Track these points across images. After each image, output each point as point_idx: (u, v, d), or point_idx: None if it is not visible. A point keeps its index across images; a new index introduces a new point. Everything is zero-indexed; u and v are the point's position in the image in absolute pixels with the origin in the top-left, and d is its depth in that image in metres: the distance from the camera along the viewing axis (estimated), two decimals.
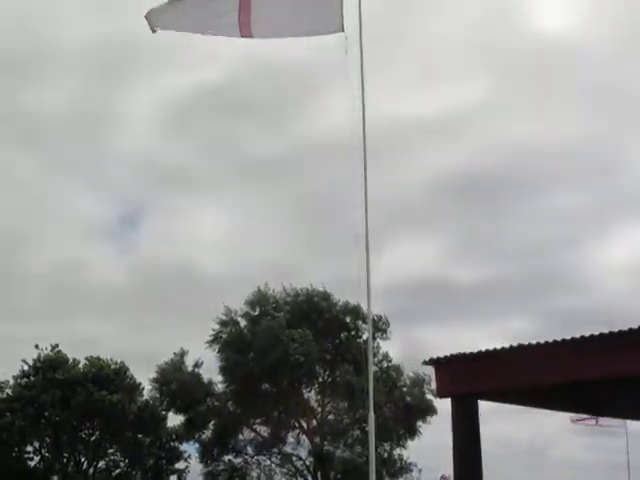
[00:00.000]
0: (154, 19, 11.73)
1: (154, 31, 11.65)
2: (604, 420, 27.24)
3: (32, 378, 34.25)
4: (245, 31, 11.83)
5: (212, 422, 34.88)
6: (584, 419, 27.48)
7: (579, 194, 47.94)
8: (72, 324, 42.69)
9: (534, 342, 13.45)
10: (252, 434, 35.44)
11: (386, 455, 34.62)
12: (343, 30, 11.43)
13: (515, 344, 13.89)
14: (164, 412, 35.37)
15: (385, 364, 35.39)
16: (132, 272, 49.73)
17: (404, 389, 35.23)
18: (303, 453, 35.15)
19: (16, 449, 33.93)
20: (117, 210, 56.74)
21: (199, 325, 39.02)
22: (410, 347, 38.02)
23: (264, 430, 35.32)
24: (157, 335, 42.97)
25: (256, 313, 34.46)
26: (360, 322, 34.33)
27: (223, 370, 34.01)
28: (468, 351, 14.43)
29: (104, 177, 51.00)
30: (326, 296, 34.85)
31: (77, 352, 35.20)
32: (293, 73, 37.19)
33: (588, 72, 48.14)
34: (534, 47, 48.25)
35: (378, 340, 34.45)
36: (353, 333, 34.97)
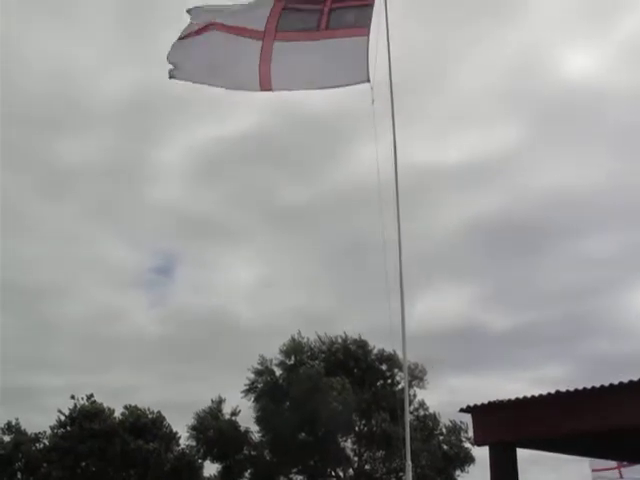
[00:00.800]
0: (174, 65, 11.75)
1: (170, 78, 11.68)
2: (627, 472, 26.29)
3: (69, 428, 34.35)
4: (265, 84, 11.69)
5: (249, 471, 34.71)
6: (605, 469, 26.50)
7: (613, 239, 47.62)
8: (107, 374, 42.99)
9: (572, 389, 13.28)
10: None
11: None
12: (369, 80, 11.41)
13: (553, 391, 13.72)
14: (200, 461, 35.24)
15: (422, 412, 35.04)
16: (166, 321, 50.01)
17: (441, 437, 34.80)
18: None
19: None
20: (150, 260, 57.45)
21: (234, 374, 39.13)
22: (446, 394, 37.73)
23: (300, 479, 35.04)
24: (192, 384, 43.09)
25: (291, 362, 34.39)
26: (396, 370, 34.12)
27: (259, 419, 33.87)
28: (505, 398, 14.27)
29: (137, 227, 51.72)
30: (362, 344, 34.74)
31: (113, 402, 35.45)
32: (322, 121, 37.58)
33: (619, 116, 48.11)
34: (563, 92, 48.41)
35: (414, 388, 34.21)
36: (389, 381, 34.73)
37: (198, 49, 11.91)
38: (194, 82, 12.01)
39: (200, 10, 11.98)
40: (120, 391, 38.85)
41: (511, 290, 47.24)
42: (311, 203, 47.01)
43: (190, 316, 48.00)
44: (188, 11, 11.92)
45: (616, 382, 12.78)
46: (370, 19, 11.71)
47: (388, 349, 33.19)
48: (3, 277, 37.62)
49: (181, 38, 11.84)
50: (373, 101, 11.20)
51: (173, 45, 11.79)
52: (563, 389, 13.53)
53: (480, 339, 42.83)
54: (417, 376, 34.06)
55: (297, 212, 47.13)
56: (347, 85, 11.71)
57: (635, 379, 12.42)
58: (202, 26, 11.90)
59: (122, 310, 50.02)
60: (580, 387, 13.15)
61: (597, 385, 12.98)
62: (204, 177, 50.95)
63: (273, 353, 34.62)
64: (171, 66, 11.73)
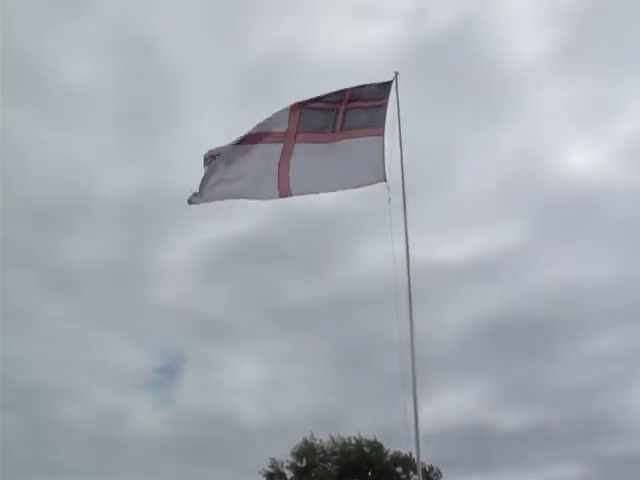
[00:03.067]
0: (198, 194, 11.73)
1: (190, 203, 11.65)
2: None
3: None
4: (284, 191, 11.70)
5: None
6: None
7: (622, 334, 46.93)
8: (112, 477, 41.97)
9: None
10: None
11: None
12: (386, 180, 11.41)
13: None
14: None
15: None
16: (172, 423, 48.96)
17: None
18: None
19: None
20: (154, 360, 56.50)
21: (243, 477, 38.12)
22: None
23: None
24: None
25: (303, 464, 33.59)
26: (411, 473, 33.27)
27: None
28: None
29: (141, 327, 51.24)
30: (376, 446, 33.95)
31: None
32: (324, 219, 37.68)
33: (621, 209, 48.22)
34: (564, 187, 48.70)
35: None
36: None
37: (216, 168, 11.88)
38: (212, 201, 11.95)
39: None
40: None
41: (522, 387, 46.43)
42: (316, 302, 46.90)
43: (197, 417, 47.16)
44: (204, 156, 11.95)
45: None
46: (384, 119, 11.82)
47: (403, 451, 32.46)
48: (7, 378, 37.32)
49: (205, 164, 11.86)
50: (390, 200, 11.15)
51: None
52: None
53: (493, 439, 41.82)
54: (432, 478, 33.19)
55: (303, 311, 46.89)
56: (364, 185, 11.70)
57: None
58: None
59: (127, 412, 49.00)
60: None
61: None
62: (208, 278, 50.91)
63: (284, 455, 33.91)
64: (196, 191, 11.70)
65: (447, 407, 40.74)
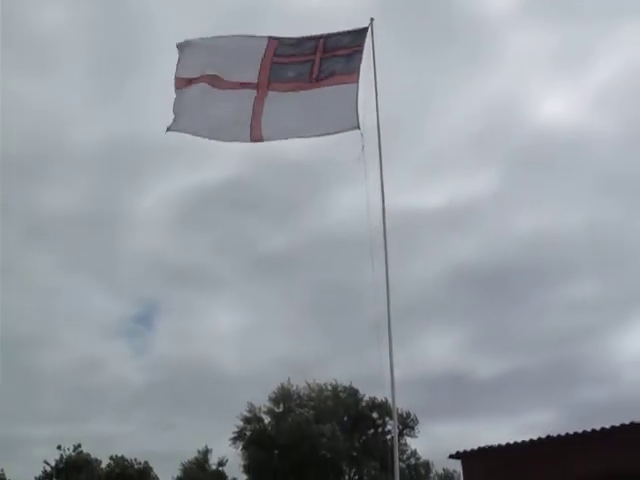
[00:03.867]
0: (173, 121, 11.81)
1: (167, 130, 11.72)
2: None
3: (55, 479, 33.84)
4: (256, 135, 11.74)
5: None
6: None
7: (595, 283, 47.59)
8: (91, 424, 42.22)
9: (562, 433, 13.22)
10: None
11: None
12: (359, 127, 11.48)
13: (544, 436, 13.64)
14: None
15: (413, 461, 34.69)
16: (149, 371, 49.42)
17: None
18: None
19: None
20: (131, 308, 56.83)
21: (219, 423, 38.59)
22: (434, 441, 37.21)
23: None
24: (178, 433, 42.31)
25: (280, 409, 34.08)
26: (387, 418, 33.83)
27: (247, 468, 33.45)
28: (495, 444, 14.19)
29: (117, 276, 51.36)
30: (353, 392, 34.46)
31: (98, 452, 34.83)
32: (300, 167, 37.66)
33: (598, 159, 48.70)
34: (540, 137, 48.97)
35: (406, 437, 33.91)
36: (380, 430, 34.43)
37: (193, 102, 11.95)
38: (190, 134, 12.06)
39: (190, 46, 11.99)
40: (105, 441, 38.27)
41: (497, 335, 47.06)
42: (292, 249, 47.04)
43: (174, 364, 47.51)
44: (178, 46, 12.00)
45: (606, 426, 12.73)
46: (359, 65, 11.84)
47: (379, 397, 32.99)
48: None
49: (178, 89, 11.91)
50: (363, 147, 11.16)
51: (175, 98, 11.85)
52: (553, 434, 13.47)
53: (468, 385, 42.56)
54: (408, 425, 33.79)
55: (279, 258, 47.07)
56: (337, 132, 11.71)
57: (627, 422, 12.38)
58: (195, 77, 11.98)
59: (105, 360, 49.26)
60: (569, 432, 13.10)
61: (588, 430, 12.94)
62: (184, 225, 50.95)
63: (261, 401, 34.37)
64: (172, 118, 11.77)
65: (424, 354, 41.38)
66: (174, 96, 12.01)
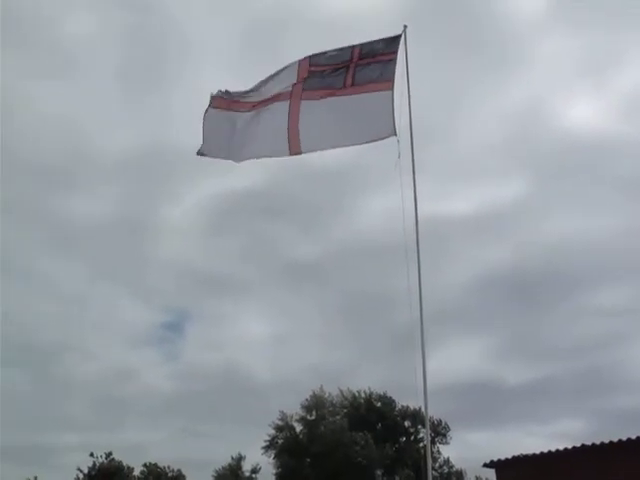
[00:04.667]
0: (204, 139, 11.82)
1: (198, 154, 11.74)
2: None
3: None
4: (295, 148, 11.74)
5: None
6: None
7: (626, 289, 46.94)
8: (122, 432, 42.44)
9: (597, 442, 13.10)
10: None
11: None
12: (396, 134, 11.47)
13: (577, 445, 13.54)
14: None
15: (446, 469, 34.51)
16: (180, 378, 49.49)
17: None
18: None
19: None
20: (162, 316, 56.98)
21: (250, 430, 38.62)
22: (467, 449, 37.00)
23: None
24: (209, 441, 42.47)
25: (313, 417, 34.06)
26: (420, 426, 33.75)
27: (280, 476, 33.47)
28: (529, 453, 14.11)
29: (147, 284, 51.51)
30: (387, 400, 34.40)
31: (130, 459, 34.98)
32: (328, 174, 37.67)
33: (626, 165, 48.08)
34: (569, 143, 48.63)
35: (438, 445, 33.78)
36: (413, 437, 34.33)
37: (226, 128, 11.95)
38: (222, 159, 12.08)
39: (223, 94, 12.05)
40: (137, 449, 38.49)
41: (527, 341, 46.68)
42: (320, 255, 47.05)
43: (204, 372, 47.66)
44: (212, 96, 11.97)
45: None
46: (394, 72, 11.86)
47: (412, 405, 32.92)
48: (17, 337, 37.82)
49: (213, 107, 11.93)
50: (399, 154, 11.18)
51: (205, 117, 11.87)
52: (587, 443, 13.36)
53: (498, 393, 42.30)
54: (440, 432, 33.65)
55: (309, 266, 47.09)
56: (375, 140, 11.66)
57: None
58: (231, 100, 12.01)
59: (136, 368, 49.49)
60: (604, 441, 12.99)
61: (623, 438, 12.82)
62: (214, 233, 51.11)
63: (292, 409, 34.37)
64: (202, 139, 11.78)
65: (454, 361, 41.18)
66: (205, 110, 12.02)
